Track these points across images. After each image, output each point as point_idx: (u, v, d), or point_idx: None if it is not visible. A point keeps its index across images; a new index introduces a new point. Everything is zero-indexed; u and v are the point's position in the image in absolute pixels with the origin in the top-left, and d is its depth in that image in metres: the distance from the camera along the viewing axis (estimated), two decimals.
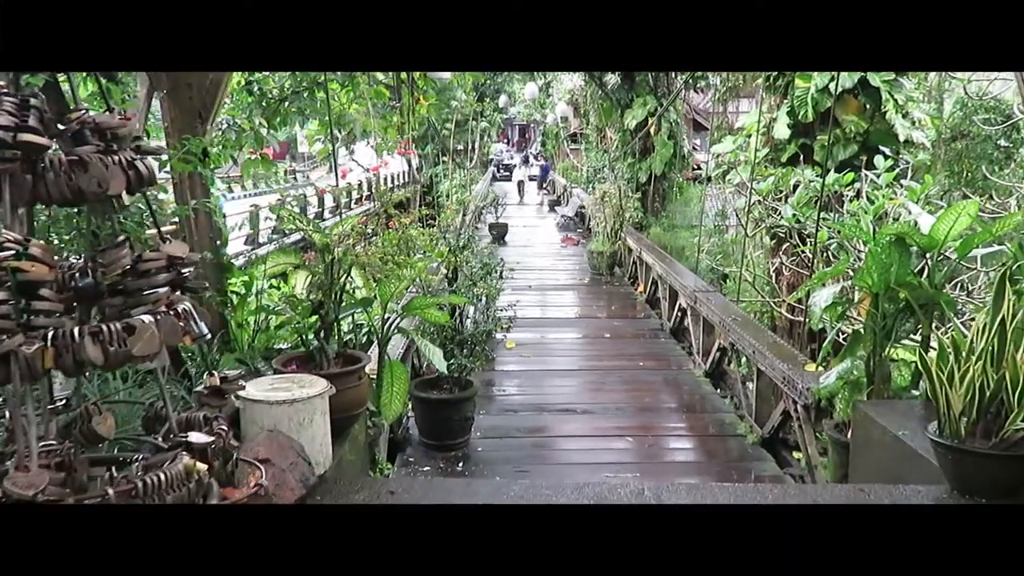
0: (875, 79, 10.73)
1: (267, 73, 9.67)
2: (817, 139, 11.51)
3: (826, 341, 4.81)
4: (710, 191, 15.99)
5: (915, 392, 4.38)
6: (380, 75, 10.56)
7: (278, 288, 4.49)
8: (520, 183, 33.89)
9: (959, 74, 10.47)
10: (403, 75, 10.47)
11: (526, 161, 41.97)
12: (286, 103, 9.56)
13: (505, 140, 64.47)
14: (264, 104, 9.57)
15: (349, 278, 4.24)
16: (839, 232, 6.96)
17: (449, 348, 5.73)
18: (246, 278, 4.28)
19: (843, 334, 5.22)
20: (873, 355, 4.41)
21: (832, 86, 11.21)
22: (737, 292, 8.93)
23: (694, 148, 24.15)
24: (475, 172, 31.25)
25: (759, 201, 8.72)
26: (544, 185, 34.76)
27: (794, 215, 7.23)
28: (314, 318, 4.02)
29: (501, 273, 6.11)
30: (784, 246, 9.75)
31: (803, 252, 8.35)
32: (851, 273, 4.99)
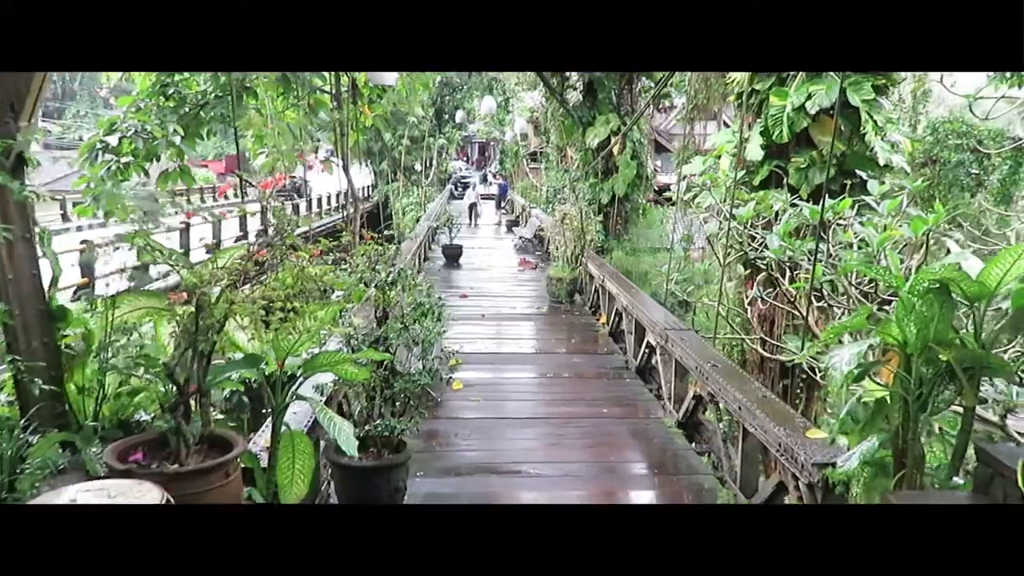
0: (854, 98, 10.01)
1: (187, 74, 8.60)
2: (792, 161, 10.79)
3: (843, 412, 3.84)
4: (675, 215, 15.22)
5: (957, 480, 3.45)
6: (318, 80, 9.53)
7: (131, 335, 3.41)
8: (472, 205, 28.70)
9: (965, 90, 9.77)
10: (344, 81, 9.44)
11: (484, 180, 41.02)
12: (207, 108, 8.49)
13: (464, 158, 63.77)
14: (185, 110, 8.48)
15: (224, 330, 3.21)
16: (835, 268, 6.10)
17: (375, 407, 4.69)
18: (84, 329, 3.21)
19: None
20: (903, 431, 3.48)
21: (808, 104, 10.50)
22: (714, 329, 8.03)
23: (655, 170, 23.49)
24: (432, 190, 30.30)
25: (737, 228, 7.84)
26: (502, 204, 33.83)
27: (781, 246, 6.33)
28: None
29: (439, 315, 5.08)
30: (759, 276, 8.92)
31: (785, 287, 7.50)
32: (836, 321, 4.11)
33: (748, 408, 5.01)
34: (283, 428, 3.61)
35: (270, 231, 3.31)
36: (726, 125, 18.85)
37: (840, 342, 4.87)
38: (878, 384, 3.68)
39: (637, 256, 17.97)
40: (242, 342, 3.44)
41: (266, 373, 3.60)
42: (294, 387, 3.66)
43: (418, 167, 34.23)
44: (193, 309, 2.89)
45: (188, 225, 14.58)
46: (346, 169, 7.82)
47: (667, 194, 12.50)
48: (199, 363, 2.88)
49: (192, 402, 2.90)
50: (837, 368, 3.39)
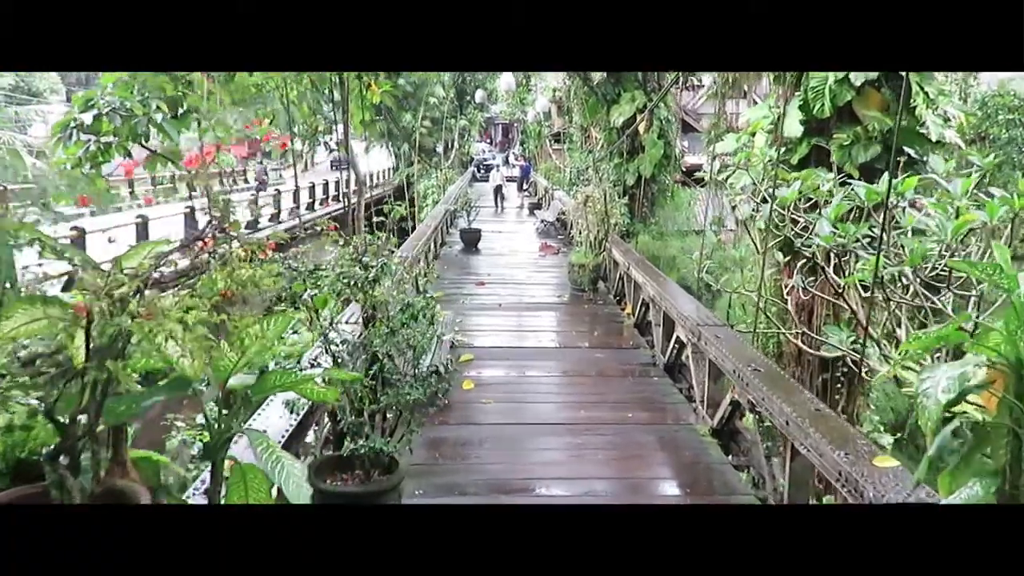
0: None
1: None
2: (834, 138, 9.95)
3: (932, 447, 3.05)
4: (706, 196, 14.31)
5: None
6: None
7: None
8: (498, 188, 27.88)
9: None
10: None
11: (506, 162, 40.10)
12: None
13: (488, 140, 63.02)
14: (176, 90, 7.76)
15: (157, 344, 2.51)
16: (905, 259, 5.29)
17: (357, 424, 3.99)
18: None
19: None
20: (1012, 472, 2.71)
21: (852, 75, 9.64)
22: (754, 323, 7.24)
23: (683, 150, 22.58)
24: (452, 172, 29.61)
25: (777, 211, 7.02)
26: (525, 187, 32.95)
27: (832, 233, 5.53)
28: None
29: (432, 318, 4.33)
30: (799, 263, 8.12)
31: (831, 277, 6.70)
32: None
33: (798, 424, 4.25)
34: (228, 462, 2.93)
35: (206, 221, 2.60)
36: (755, 103, 17.94)
37: (918, 363, 4.11)
38: (978, 407, 2.91)
39: (664, 240, 17.14)
40: (175, 358, 2.75)
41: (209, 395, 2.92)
42: (246, 412, 2.97)
43: (440, 149, 33.52)
44: (86, 324, 2.20)
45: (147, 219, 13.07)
46: (346, 147, 7.09)
47: (698, 175, 11.63)
48: (91, 397, 2.20)
49: (89, 442, 2.22)
50: (931, 395, 2.61)
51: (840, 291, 6.97)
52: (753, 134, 10.74)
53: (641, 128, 16.22)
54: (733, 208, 14.62)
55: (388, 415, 4.40)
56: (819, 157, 9.88)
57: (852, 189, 5.84)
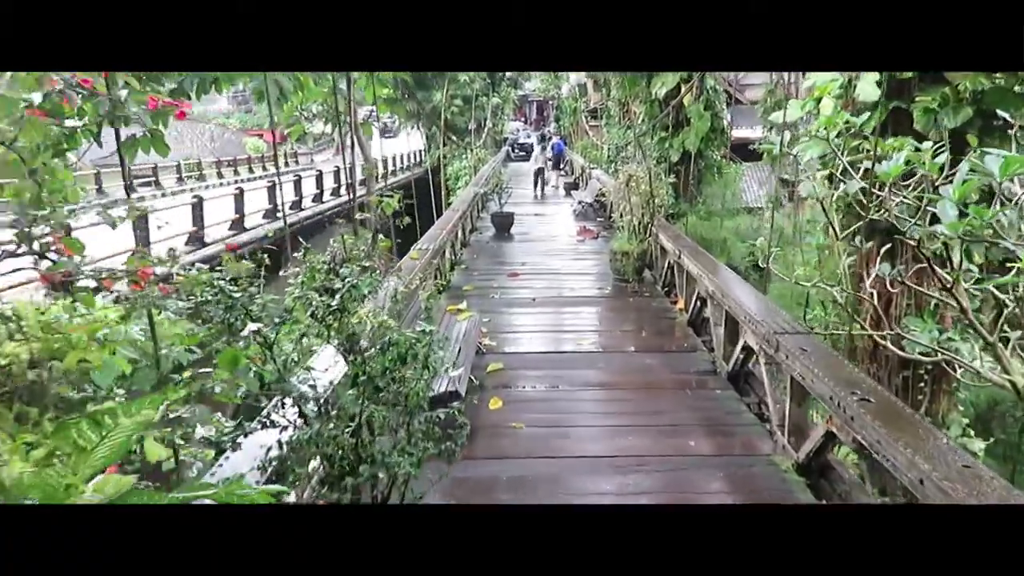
0: None
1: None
2: (917, 101, 8.63)
3: None
4: (752, 172, 12.94)
5: None
6: None
7: None
8: (539, 171, 24.54)
9: None
10: None
11: (543, 139, 38.58)
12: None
13: (522, 118, 61.67)
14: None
15: None
16: None
17: (344, 490, 2.88)
18: None
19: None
20: None
21: None
22: (848, 327, 6.00)
23: (729, 123, 21.11)
24: (485, 153, 28.44)
25: (872, 188, 5.72)
26: (561, 165, 31.53)
27: (958, 220, 4.26)
28: None
29: (426, 359, 3.11)
30: (885, 248, 6.83)
31: (940, 272, 5.45)
32: None
33: (943, 490, 3.05)
34: None
35: None
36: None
37: None
38: None
39: (713, 221, 15.82)
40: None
41: None
42: None
43: (472, 128, 32.35)
44: None
45: None
46: (351, 124, 5.95)
47: (760, 147, 10.26)
48: None
49: None
50: None
51: (948, 285, 5.72)
52: (819, 100, 9.45)
53: (686, 100, 14.87)
54: (787, 184, 13.11)
55: (380, 476, 3.29)
56: (898, 123, 8.61)
57: (979, 160, 4.54)
